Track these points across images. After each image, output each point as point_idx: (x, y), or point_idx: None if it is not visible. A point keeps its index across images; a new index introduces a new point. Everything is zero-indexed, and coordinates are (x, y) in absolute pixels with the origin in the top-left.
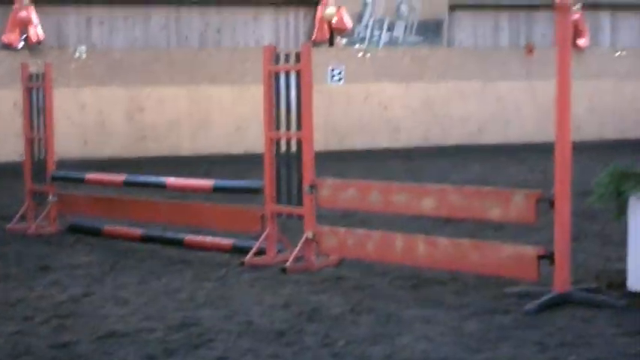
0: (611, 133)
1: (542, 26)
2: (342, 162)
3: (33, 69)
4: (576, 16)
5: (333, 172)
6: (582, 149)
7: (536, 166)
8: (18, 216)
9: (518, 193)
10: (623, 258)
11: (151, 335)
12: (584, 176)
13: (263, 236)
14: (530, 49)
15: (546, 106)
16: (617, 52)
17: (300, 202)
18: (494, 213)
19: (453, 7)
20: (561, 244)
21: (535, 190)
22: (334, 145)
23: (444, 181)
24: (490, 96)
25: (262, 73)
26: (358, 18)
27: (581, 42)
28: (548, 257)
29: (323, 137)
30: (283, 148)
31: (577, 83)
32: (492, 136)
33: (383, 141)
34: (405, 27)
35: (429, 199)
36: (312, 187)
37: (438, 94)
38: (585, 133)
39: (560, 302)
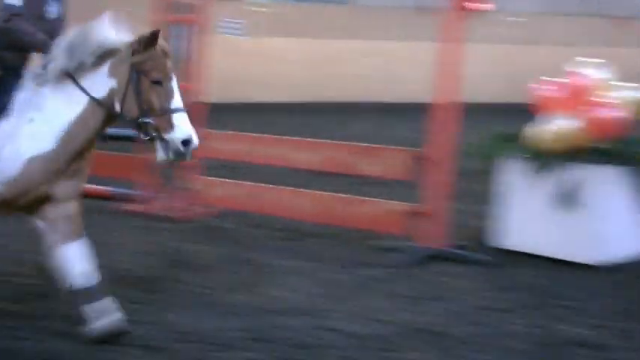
0: (505, 97)
1: None
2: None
3: None
4: None
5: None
6: (476, 112)
7: (422, 126)
8: None
9: (394, 150)
10: (498, 217)
11: None
12: (471, 138)
13: (145, 184)
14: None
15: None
16: (515, 17)
17: None
18: (372, 169)
19: None
20: (435, 201)
21: (412, 148)
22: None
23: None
24: (380, 55)
25: None
26: None
27: (484, 6)
28: (421, 213)
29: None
30: None
31: (472, 47)
32: (379, 94)
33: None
34: None
35: (306, 153)
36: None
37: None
38: (479, 96)
39: (433, 257)
